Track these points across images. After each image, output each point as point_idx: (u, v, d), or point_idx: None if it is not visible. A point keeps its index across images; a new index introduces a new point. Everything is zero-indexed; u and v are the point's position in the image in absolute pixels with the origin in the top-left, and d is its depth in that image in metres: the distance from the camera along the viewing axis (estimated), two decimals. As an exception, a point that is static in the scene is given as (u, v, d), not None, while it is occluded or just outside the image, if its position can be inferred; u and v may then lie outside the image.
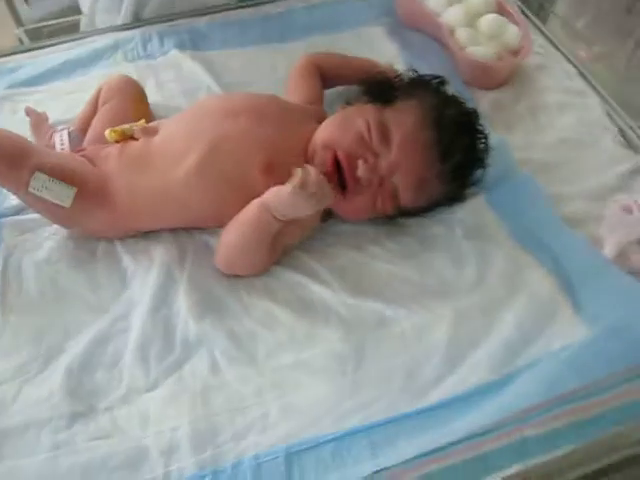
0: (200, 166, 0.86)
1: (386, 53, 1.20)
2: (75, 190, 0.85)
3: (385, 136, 0.87)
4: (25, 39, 1.30)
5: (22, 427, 0.75)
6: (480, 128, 0.94)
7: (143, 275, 0.88)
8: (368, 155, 0.87)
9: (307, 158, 0.91)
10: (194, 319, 0.83)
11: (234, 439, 0.74)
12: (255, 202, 0.84)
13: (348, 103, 0.98)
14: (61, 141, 0.99)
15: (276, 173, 0.86)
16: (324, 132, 0.92)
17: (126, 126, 0.90)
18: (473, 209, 0.94)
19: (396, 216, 0.93)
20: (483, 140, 0.93)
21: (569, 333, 0.81)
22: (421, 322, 0.83)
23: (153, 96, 1.11)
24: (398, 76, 0.99)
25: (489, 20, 1.13)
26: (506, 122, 1.08)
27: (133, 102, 1.01)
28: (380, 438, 0.73)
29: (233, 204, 0.87)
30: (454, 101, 0.94)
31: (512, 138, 1.05)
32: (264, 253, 0.87)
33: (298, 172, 0.80)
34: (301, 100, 1.02)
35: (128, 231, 0.91)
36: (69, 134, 1.01)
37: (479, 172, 0.94)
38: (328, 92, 1.08)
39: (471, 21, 1.14)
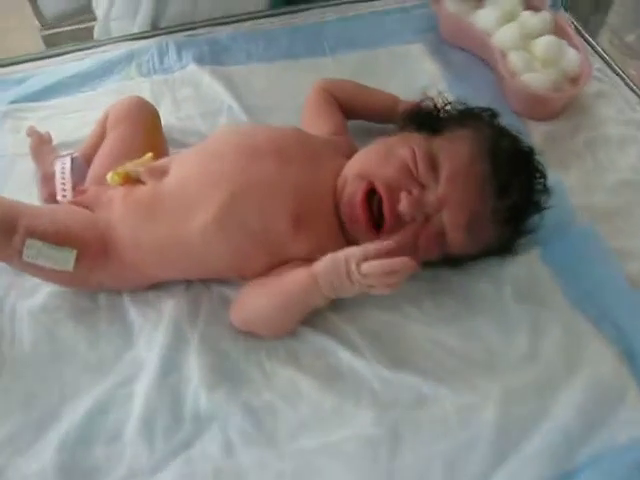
0: (219, 218, 0.74)
1: (426, 73, 1.09)
2: (75, 252, 0.75)
3: (433, 166, 0.76)
4: (42, 45, 1.20)
5: (7, 510, 0.66)
6: (539, 167, 0.82)
7: (150, 332, 0.78)
8: (413, 187, 0.76)
9: (336, 199, 0.80)
10: (206, 389, 0.73)
11: (249, 537, 0.64)
12: (302, 272, 0.72)
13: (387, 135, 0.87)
14: (62, 171, 0.89)
15: (305, 224, 0.76)
16: (358, 162, 0.81)
17: (130, 166, 0.80)
18: (525, 265, 0.83)
19: (439, 264, 0.82)
20: (541, 180, 0.82)
21: (638, 421, 0.70)
22: (465, 403, 0.72)
23: (168, 117, 1.02)
24: (446, 105, 0.87)
25: (546, 43, 1.01)
26: (561, 159, 0.97)
27: (144, 128, 0.91)
28: None
29: (257, 259, 0.77)
30: (510, 134, 0.82)
31: (568, 178, 0.94)
32: (295, 322, 0.77)
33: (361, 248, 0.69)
34: (324, 132, 0.91)
35: (136, 285, 0.81)
36: (72, 161, 0.91)
37: (534, 219, 0.83)
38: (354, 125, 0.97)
39: (525, 43, 1.02)
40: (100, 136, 0.94)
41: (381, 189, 0.76)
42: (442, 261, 0.81)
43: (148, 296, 0.82)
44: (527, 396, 0.72)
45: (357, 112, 0.97)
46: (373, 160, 0.80)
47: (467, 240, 0.78)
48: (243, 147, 0.80)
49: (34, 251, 0.73)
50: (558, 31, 1.06)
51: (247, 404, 0.73)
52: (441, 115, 0.86)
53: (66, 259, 0.74)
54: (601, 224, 0.88)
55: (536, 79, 0.97)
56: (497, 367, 0.75)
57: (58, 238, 0.75)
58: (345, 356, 0.76)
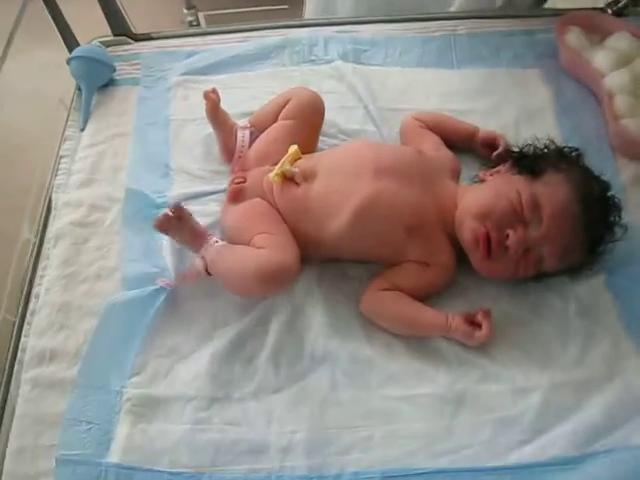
0: (351, 224, 0.96)
1: (539, 100, 1.23)
2: None
3: (536, 208, 0.94)
4: (203, 22, 1.40)
5: (172, 398, 0.92)
6: (617, 203, 0.99)
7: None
8: (518, 225, 0.94)
9: (444, 220, 0.99)
10: (323, 337, 0.95)
11: (340, 453, 0.87)
12: (441, 319, 0.94)
13: (487, 166, 1.07)
14: (242, 143, 1.10)
15: (416, 233, 0.97)
16: (475, 204, 0.98)
17: (287, 167, 1.00)
18: (591, 288, 1.00)
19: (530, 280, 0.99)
20: (618, 215, 0.99)
21: None
22: (519, 387, 0.91)
23: (313, 105, 1.21)
24: (545, 148, 1.04)
25: (653, 93, 1.12)
26: None
27: (310, 128, 1.11)
28: (462, 482, 0.84)
29: (378, 255, 1.00)
30: (594, 177, 1.00)
31: (643, 217, 1.07)
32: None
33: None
34: (429, 148, 1.09)
35: None
36: (250, 134, 1.12)
37: (605, 249, 0.99)
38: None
39: (635, 89, 1.14)
40: (275, 114, 1.12)
41: (493, 234, 0.94)
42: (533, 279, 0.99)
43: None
44: (568, 391, 0.90)
45: (442, 137, 1.13)
46: (486, 204, 0.96)
47: (560, 265, 0.96)
48: (373, 165, 0.99)
49: None
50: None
51: (352, 355, 0.94)
52: (536, 158, 1.02)
53: None
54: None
55: (636, 124, 1.10)
56: (550, 365, 0.93)
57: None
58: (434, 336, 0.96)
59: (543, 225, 0.93)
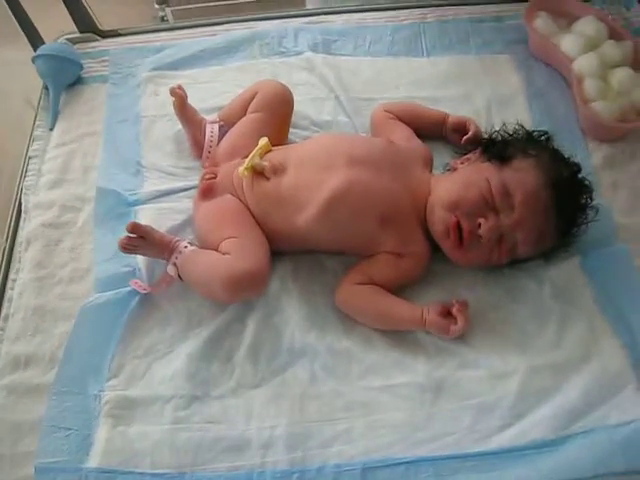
0: (323, 215, 0.95)
1: (510, 86, 1.23)
2: None
3: (506, 195, 0.93)
4: (170, 17, 1.39)
5: (150, 399, 0.91)
6: (587, 185, 0.99)
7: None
8: (489, 214, 0.94)
9: (418, 210, 0.99)
10: (300, 331, 0.95)
11: (321, 446, 0.87)
12: (416, 312, 0.94)
13: (460, 154, 1.07)
14: (211, 137, 1.10)
15: (390, 224, 0.96)
16: (445, 195, 0.97)
17: (257, 161, 0.99)
18: (566, 270, 1.00)
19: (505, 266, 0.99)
20: (589, 197, 0.99)
21: (629, 410, 0.87)
22: (497, 372, 0.91)
23: (285, 97, 1.20)
24: (514, 133, 1.04)
25: (621, 75, 1.13)
26: (614, 181, 1.10)
27: (279, 119, 1.10)
28: (444, 470, 0.85)
29: (351, 246, 0.99)
30: (563, 159, 0.99)
31: (617, 199, 1.08)
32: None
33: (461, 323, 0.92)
34: (400, 139, 1.08)
35: None
36: (219, 128, 1.11)
37: (579, 231, 0.99)
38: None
39: (603, 72, 1.14)
40: (243, 108, 1.11)
41: (464, 223, 0.94)
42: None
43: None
44: (546, 375, 0.91)
45: (413, 126, 1.12)
46: (456, 194, 0.96)
47: (534, 250, 0.97)
48: (345, 158, 0.98)
49: None
50: (637, 62, 1.16)
51: (330, 347, 0.93)
52: (506, 144, 1.01)
53: None
54: (638, 243, 1.02)
55: (605, 107, 1.10)
56: (527, 349, 0.93)
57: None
58: (411, 328, 0.96)
59: (515, 212, 0.93)
